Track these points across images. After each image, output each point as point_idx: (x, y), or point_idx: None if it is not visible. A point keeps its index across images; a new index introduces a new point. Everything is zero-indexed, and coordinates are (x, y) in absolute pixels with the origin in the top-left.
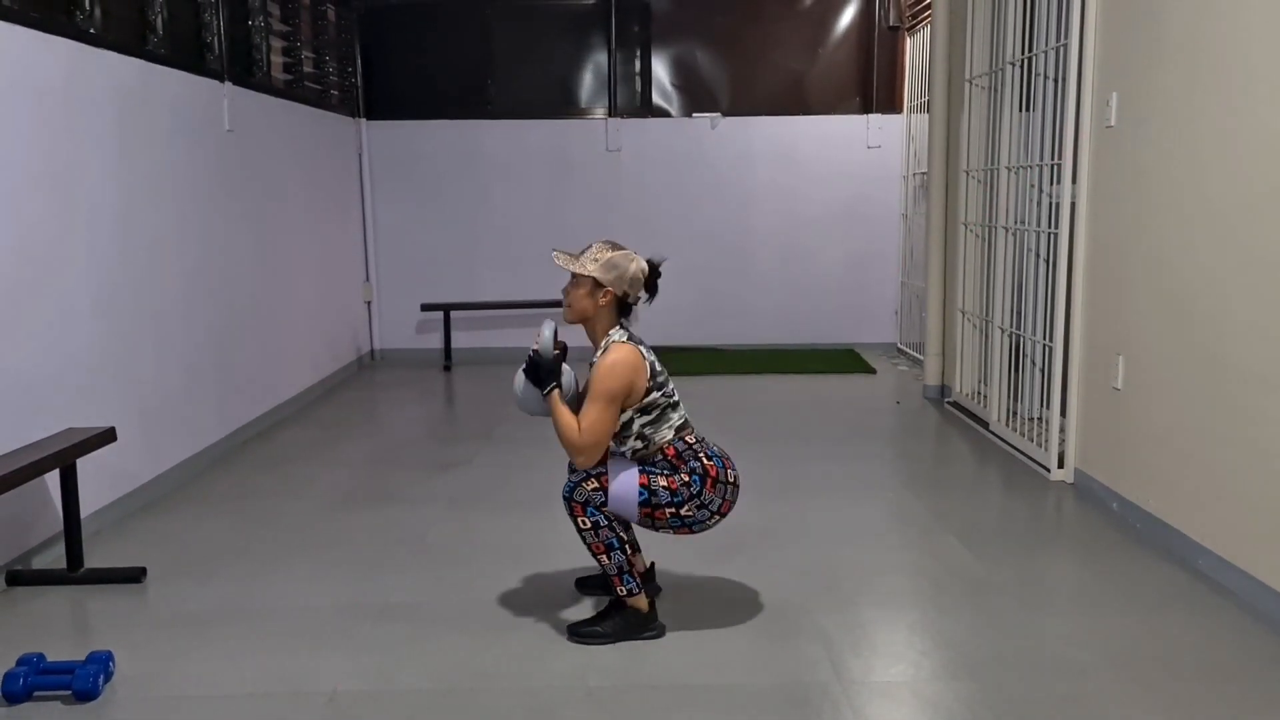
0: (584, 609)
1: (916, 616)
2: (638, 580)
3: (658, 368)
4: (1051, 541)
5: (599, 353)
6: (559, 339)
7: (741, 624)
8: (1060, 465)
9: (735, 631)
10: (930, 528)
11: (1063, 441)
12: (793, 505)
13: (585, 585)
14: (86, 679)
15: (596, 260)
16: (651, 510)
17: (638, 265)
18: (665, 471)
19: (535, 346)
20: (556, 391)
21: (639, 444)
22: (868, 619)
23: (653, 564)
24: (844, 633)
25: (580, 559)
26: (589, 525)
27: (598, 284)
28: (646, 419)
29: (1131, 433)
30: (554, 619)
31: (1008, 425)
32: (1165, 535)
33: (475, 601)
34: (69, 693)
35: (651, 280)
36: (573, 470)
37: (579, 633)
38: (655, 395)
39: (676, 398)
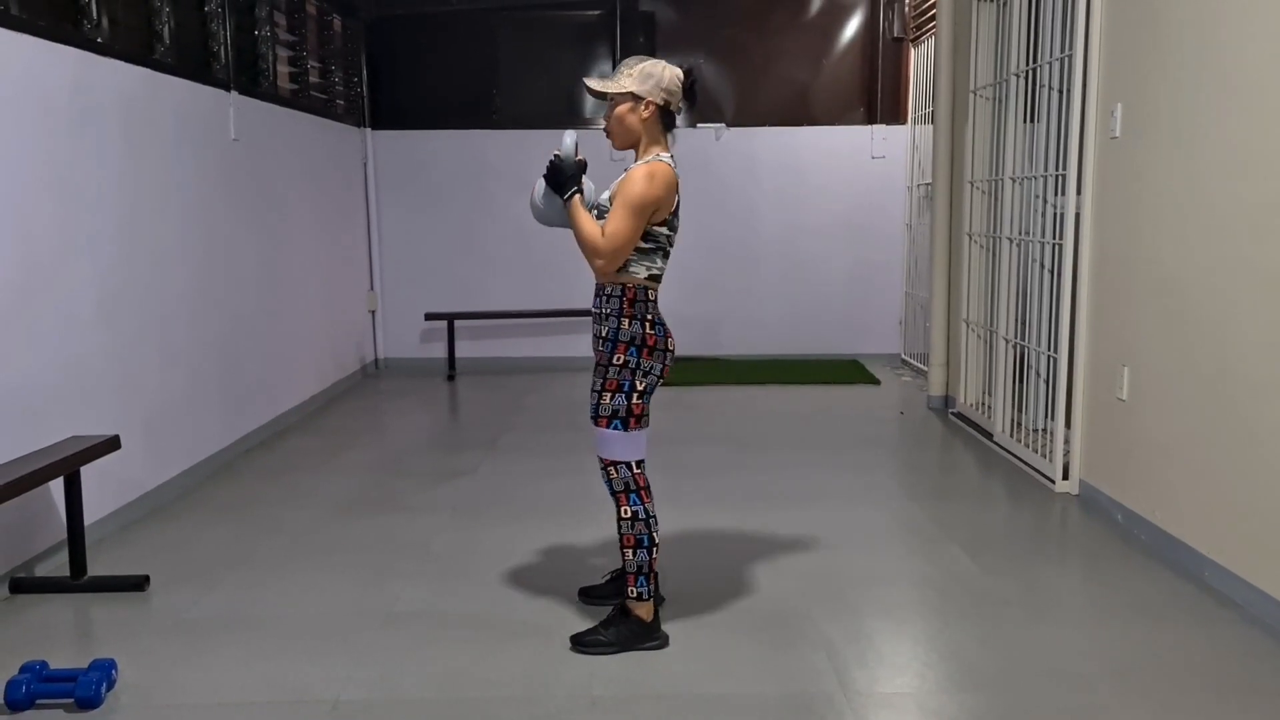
0: (588, 619)
1: (921, 627)
2: (651, 587)
3: (679, 208)
4: (1056, 553)
5: (637, 163)
6: (579, 153)
7: (746, 633)
8: (1065, 476)
9: (740, 641)
10: (935, 538)
11: (1067, 453)
12: (797, 514)
13: (589, 595)
14: (89, 687)
15: (630, 74)
16: (630, 415)
17: (671, 71)
18: (599, 386)
19: (557, 152)
20: (578, 197)
21: None
22: (872, 629)
23: (656, 573)
24: (849, 643)
25: (585, 568)
26: (629, 514)
27: (636, 98)
28: (641, 245)
29: (1136, 444)
30: (558, 629)
31: (1012, 436)
32: (1170, 547)
33: (479, 611)
34: (71, 700)
35: (689, 85)
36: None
37: (582, 642)
38: (664, 228)
39: (672, 247)
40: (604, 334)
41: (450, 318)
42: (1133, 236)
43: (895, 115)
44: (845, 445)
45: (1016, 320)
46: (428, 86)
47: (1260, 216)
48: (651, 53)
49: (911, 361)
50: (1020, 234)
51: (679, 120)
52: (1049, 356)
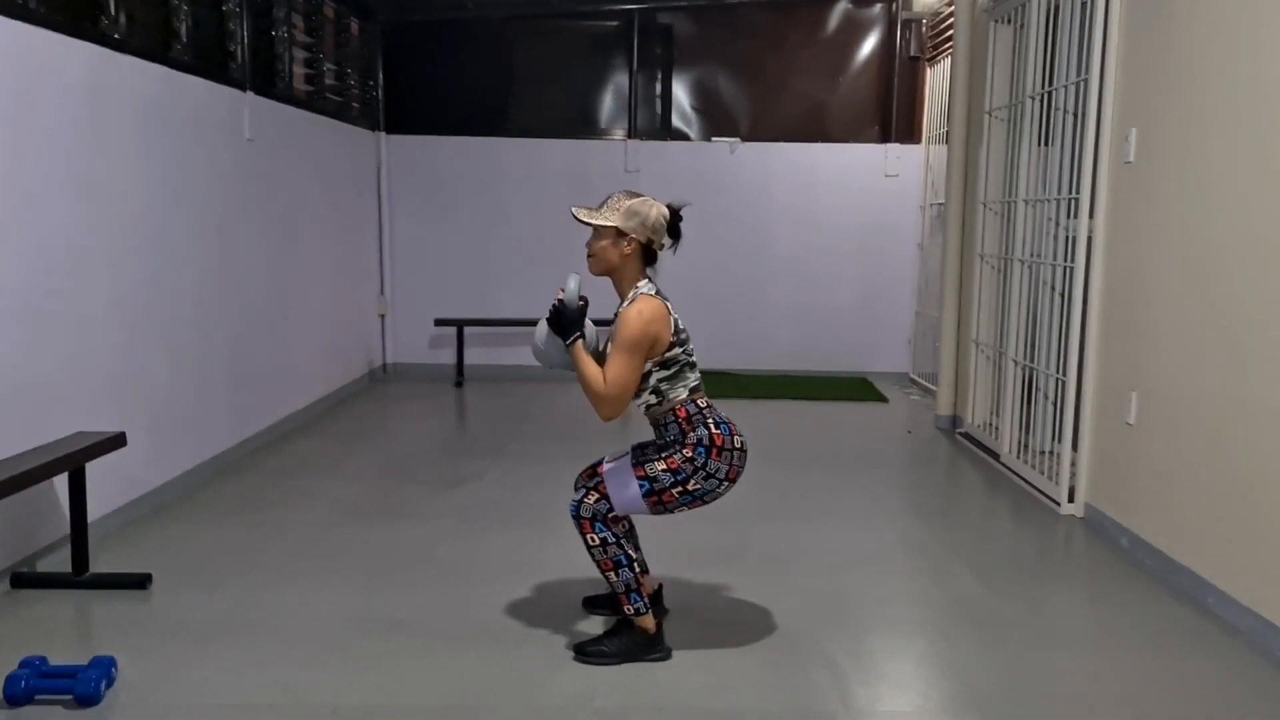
0: (591, 628)
1: (925, 646)
2: (645, 600)
3: (680, 325)
4: (1061, 575)
5: (625, 303)
6: (582, 294)
7: (749, 648)
8: (1071, 499)
9: (743, 655)
10: (940, 557)
11: (1074, 476)
12: (803, 530)
13: (593, 604)
14: (88, 684)
15: (617, 209)
16: (659, 496)
17: (658, 210)
18: (663, 454)
19: (560, 296)
20: (580, 341)
21: (654, 399)
22: (876, 647)
23: (661, 585)
24: (852, 660)
25: (589, 577)
26: (597, 542)
27: (620, 233)
28: (664, 374)
29: (1143, 469)
30: (561, 638)
31: (1019, 458)
32: (1175, 572)
33: (482, 618)
34: (70, 697)
35: (674, 225)
36: (578, 488)
37: (585, 652)
38: (676, 351)
39: (695, 359)
40: (673, 446)
41: (460, 324)
42: (1144, 262)
43: (910, 134)
44: (852, 462)
45: (1026, 342)
46: (443, 92)
47: (1272, 245)
48: (669, 65)
49: (920, 381)
50: (1032, 256)
51: (693, 136)
52: (1058, 379)
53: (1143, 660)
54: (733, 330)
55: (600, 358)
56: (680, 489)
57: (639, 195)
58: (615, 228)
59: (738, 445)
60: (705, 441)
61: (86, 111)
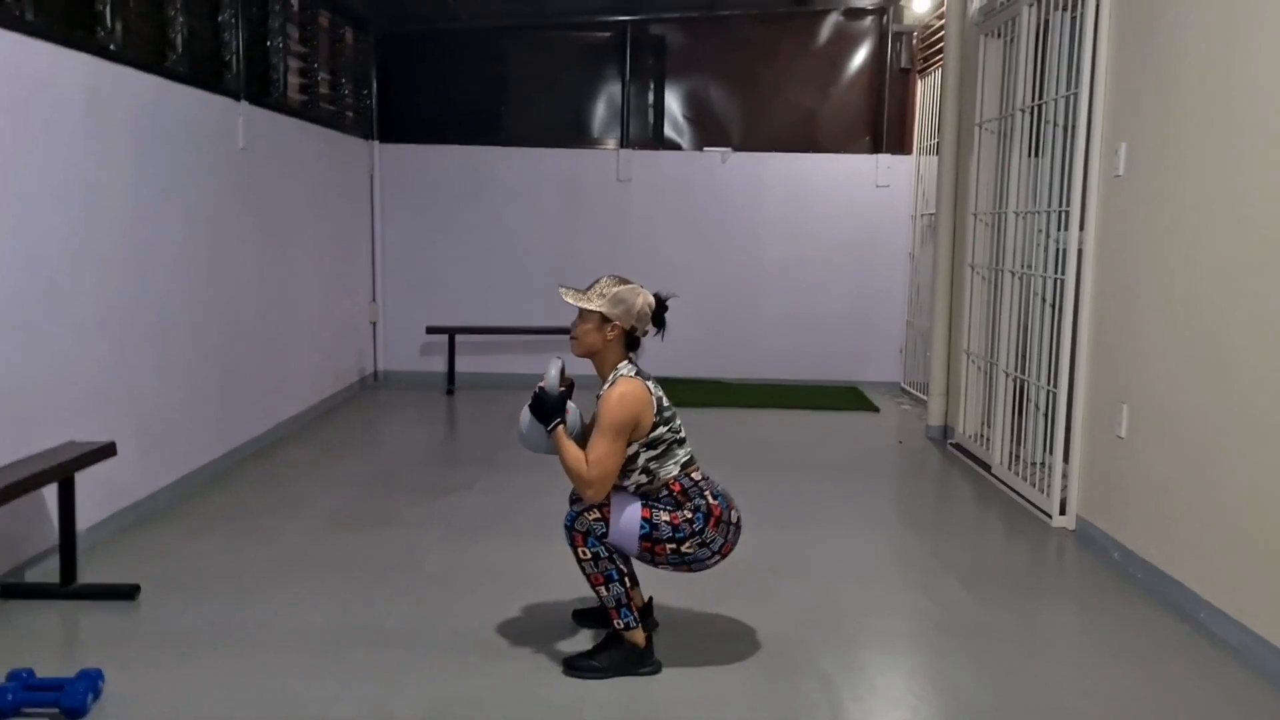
0: (581, 641)
1: (916, 660)
2: (635, 615)
3: (665, 404)
4: (1052, 588)
5: (606, 386)
6: (566, 376)
7: (739, 662)
8: (1062, 512)
9: (733, 669)
10: (931, 570)
11: (1065, 488)
12: (793, 541)
13: (583, 617)
14: (75, 696)
15: (604, 295)
16: (652, 545)
17: (644, 299)
18: (669, 507)
19: (541, 384)
20: (562, 427)
21: (644, 478)
22: (867, 661)
23: (650, 599)
24: (843, 674)
25: (579, 590)
26: (589, 556)
27: (605, 319)
28: (652, 454)
29: (1135, 482)
30: (550, 650)
31: (1010, 469)
32: (1166, 586)
33: (471, 630)
34: (57, 710)
35: (659, 314)
36: (575, 500)
37: (575, 666)
38: (662, 430)
39: (683, 434)
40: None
41: (451, 331)
42: (1135, 274)
43: (900, 145)
44: (843, 472)
45: (1017, 353)
46: (436, 101)
47: (1263, 257)
48: (661, 75)
49: (911, 390)
50: (1022, 267)
51: (685, 146)
52: (1049, 391)
53: (1133, 674)
54: (723, 339)
55: (584, 440)
56: (674, 546)
57: (628, 283)
58: (600, 313)
59: (733, 520)
60: (704, 510)
61: (82, 121)
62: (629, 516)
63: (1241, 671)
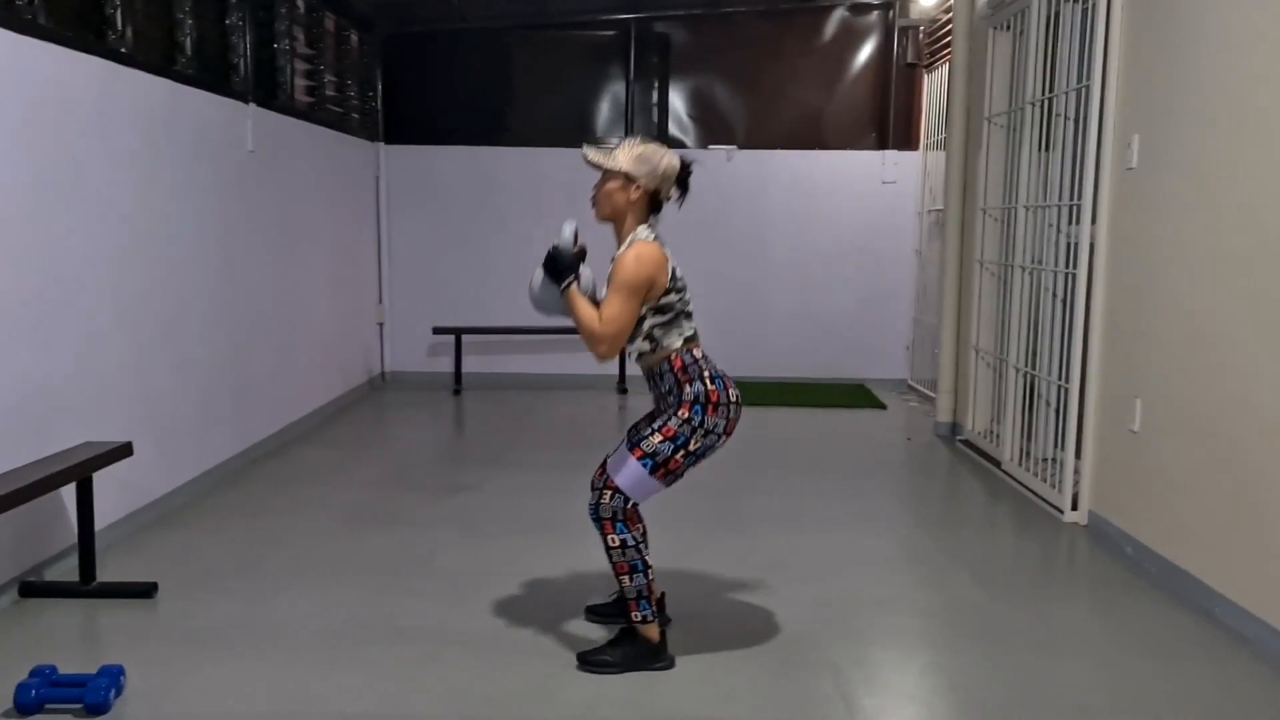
0: (594, 637)
1: (929, 656)
2: (654, 608)
3: (678, 273)
4: (1065, 584)
5: (622, 248)
6: (579, 241)
7: (753, 657)
8: (1074, 507)
9: (746, 664)
10: (943, 566)
11: (1077, 483)
12: (804, 538)
13: (595, 613)
14: (98, 692)
15: (629, 153)
16: (665, 468)
17: (669, 160)
18: (655, 426)
19: (555, 242)
20: (575, 285)
21: (647, 345)
22: (880, 656)
23: (663, 594)
24: (856, 669)
25: (590, 585)
26: (618, 543)
27: (629, 179)
28: (659, 320)
29: (1148, 476)
30: (563, 647)
31: (1021, 465)
32: (1180, 580)
33: (484, 627)
34: (80, 706)
35: (683, 176)
36: (592, 489)
37: (588, 661)
38: (672, 298)
39: (691, 308)
40: (669, 399)
41: (458, 332)
42: (1147, 268)
43: (907, 141)
44: (852, 470)
45: (1027, 349)
46: (441, 102)
47: (1276, 250)
48: (666, 74)
49: (918, 387)
50: (1033, 263)
51: (690, 144)
52: (1060, 386)
53: (1148, 669)
54: (731, 337)
55: (597, 304)
56: (683, 452)
57: (653, 143)
58: (625, 172)
59: (733, 399)
60: (702, 398)
61: (94, 125)
62: (630, 469)
63: (1257, 665)
